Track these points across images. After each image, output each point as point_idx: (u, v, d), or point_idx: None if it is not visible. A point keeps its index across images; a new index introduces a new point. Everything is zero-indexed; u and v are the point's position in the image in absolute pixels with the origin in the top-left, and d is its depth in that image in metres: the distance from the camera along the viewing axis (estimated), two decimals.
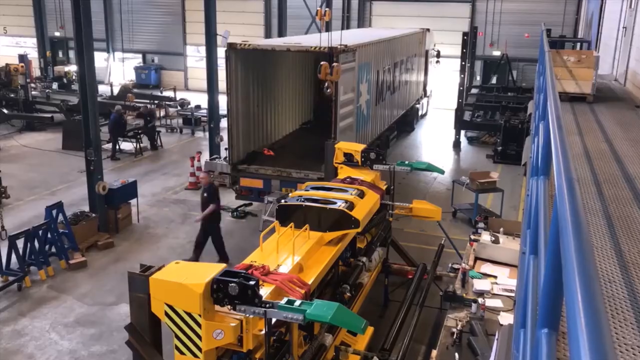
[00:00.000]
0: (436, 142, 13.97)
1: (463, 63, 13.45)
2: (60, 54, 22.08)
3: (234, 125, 8.28)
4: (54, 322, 5.86)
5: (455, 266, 5.38)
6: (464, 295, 4.37)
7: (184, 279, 3.26)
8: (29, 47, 21.18)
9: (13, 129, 14.08)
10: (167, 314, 3.30)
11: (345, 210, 4.56)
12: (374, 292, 6.33)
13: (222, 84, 9.01)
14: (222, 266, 3.38)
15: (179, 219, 8.85)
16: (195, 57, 20.61)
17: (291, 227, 4.27)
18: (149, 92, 17.87)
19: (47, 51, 21.36)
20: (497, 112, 14.05)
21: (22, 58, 16.29)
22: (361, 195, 5.12)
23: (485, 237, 5.28)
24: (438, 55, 16.73)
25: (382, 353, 4.42)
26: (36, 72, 20.33)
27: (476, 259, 5.07)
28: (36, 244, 6.78)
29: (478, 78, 17.81)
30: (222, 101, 9.26)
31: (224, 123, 9.65)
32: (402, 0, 18.35)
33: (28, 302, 6.27)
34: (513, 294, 4.20)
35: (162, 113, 15.37)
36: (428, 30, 15.33)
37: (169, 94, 17.17)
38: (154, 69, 21.23)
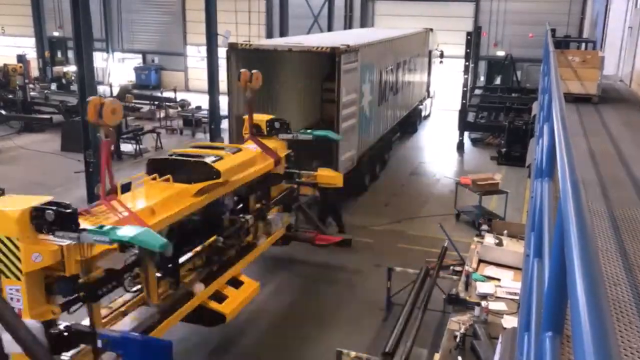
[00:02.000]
0: (439, 144, 13.91)
1: (467, 63, 13.39)
2: (59, 54, 22.00)
3: (235, 126, 8.30)
4: None
5: (458, 269, 5.34)
6: (467, 298, 4.34)
7: (4, 206, 3.53)
8: (28, 47, 20.94)
9: (11, 130, 13.99)
10: None
11: (207, 162, 4.74)
12: (377, 296, 6.32)
13: (223, 85, 8.99)
14: (48, 198, 3.62)
15: None
16: (195, 58, 20.52)
17: (155, 177, 4.50)
18: (149, 92, 17.82)
19: (46, 51, 21.18)
20: (501, 113, 13.96)
21: (21, 58, 16.08)
22: (236, 152, 5.34)
23: (489, 239, 5.25)
24: (441, 55, 16.68)
25: (384, 356, 4.40)
26: (35, 72, 20.18)
27: (480, 261, 5.04)
28: None
29: (482, 78, 17.74)
30: (223, 102, 9.22)
31: (225, 124, 9.67)
32: None
33: None
34: (517, 297, 4.17)
35: (162, 114, 15.27)
36: (431, 30, 15.28)
37: (169, 94, 17.15)
38: (154, 70, 21.12)
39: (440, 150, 13.36)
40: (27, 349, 3.38)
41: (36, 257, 3.48)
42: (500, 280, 4.66)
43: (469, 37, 13.40)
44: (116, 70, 21.65)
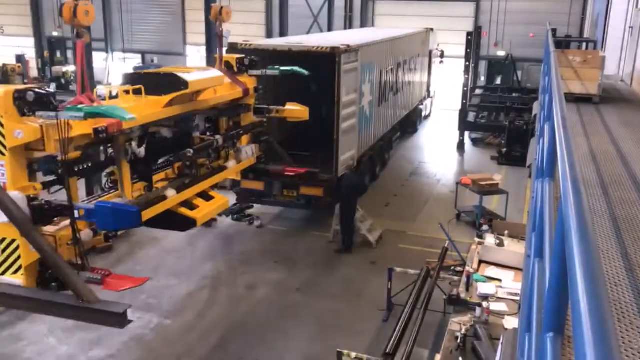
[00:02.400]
0: (440, 144, 13.90)
1: (467, 63, 13.38)
2: (58, 54, 21.74)
3: None
4: (52, 327, 5.76)
5: (458, 269, 5.34)
6: (468, 299, 4.33)
7: None
8: (27, 47, 20.93)
9: None
10: None
11: (175, 73, 5.11)
12: (377, 296, 6.31)
13: None
14: (30, 86, 4.11)
15: None
16: (195, 58, 20.57)
17: (129, 91, 4.83)
18: None
19: (45, 51, 21.07)
20: (502, 113, 13.94)
21: (20, 58, 16.22)
22: (204, 71, 5.79)
23: (490, 240, 5.24)
24: (442, 55, 16.66)
25: (385, 357, 4.40)
26: (34, 72, 20.08)
27: (480, 262, 5.03)
28: None
29: (482, 78, 17.71)
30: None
31: None
32: None
33: None
34: (518, 298, 4.16)
35: None
36: (432, 30, 15.27)
37: None
38: (153, 69, 21.36)
39: (440, 151, 13.34)
40: (10, 216, 3.78)
41: (18, 133, 3.88)
42: (501, 281, 4.65)
43: (469, 37, 13.39)
44: (116, 70, 21.51)
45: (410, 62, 12.71)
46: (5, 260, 4.05)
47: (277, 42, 9.29)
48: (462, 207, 9.09)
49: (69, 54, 20.72)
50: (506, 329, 3.69)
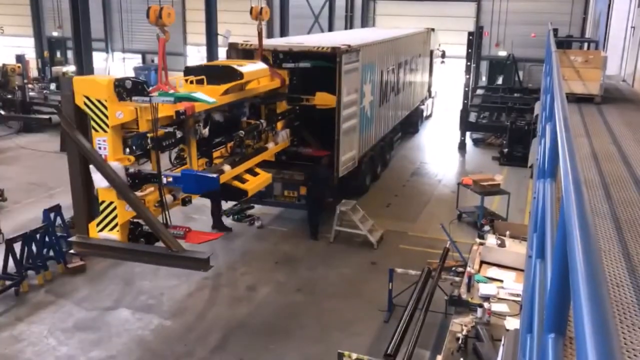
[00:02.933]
0: (441, 144, 13.87)
1: (468, 63, 13.35)
2: (58, 54, 21.72)
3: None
4: (52, 327, 5.77)
5: (460, 270, 5.32)
6: (470, 299, 4.32)
7: (96, 79, 5.05)
8: (27, 47, 20.79)
9: (10, 130, 13.94)
10: (86, 104, 4.81)
11: (232, 65, 6.19)
12: (379, 297, 6.30)
13: None
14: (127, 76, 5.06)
15: (179, 222, 8.74)
16: (196, 58, 20.49)
17: (191, 81, 5.73)
18: None
19: (45, 51, 20.98)
20: (503, 113, 13.91)
21: (19, 58, 15.92)
22: (253, 65, 6.82)
23: (491, 240, 5.22)
24: (443, 55, 16.64)
25: (386, 358, 4.39)
26: (34, 72, 19.91)
27: (482, 262, 5.02)
28: (34, 247, 6.65)
29: (484, 79, 17.67)
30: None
31: None
32: None
33: (26, 306, 6.17)
34: (519, 299, 4.14)
35: None
36: (433, 30, 15.26)
37: None
38: (153, 70, 21.01)
39: (441, 151, 13.31)
40: (111, 182, 4.72)
41: (119, 114, 4.79)
42: (502, 282, 4.63)
43: (470, 37, 13.36)
44: (116, 70, 21.54)
45: (411, 62, 12.71)
46: (103, 219, 4.95)
47: (278, 42, 9.26)
48: (463, 207, 9.07)
49: (69, 54, 20.65)
50: (507, 330, 3.68)
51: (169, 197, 5.20)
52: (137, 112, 4.88)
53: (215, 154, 6.25)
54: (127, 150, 4.95)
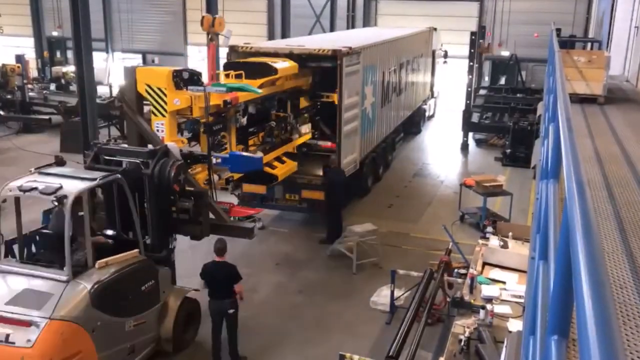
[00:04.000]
0: (443, 145, 13.83)
1: (471, 63, 13.31)
2: (58, 54, 21.48)
3: None
4: None
5: (462, 271, 5.30)
6: (472, 301, 4.29)
7: (155, 69, 6.07)
8: (26, 47, 20.61)
9: (10, 130, 13.76)
10: (147, 91, 5.52)
11: (267, 62, 7.00)
12: (379, 298, 6.27)
13: None
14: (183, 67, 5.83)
15: None
16: (196, 58, 20.21)
17: (231, 75, 6.44)
18: None
19: (45, 51, 20.77)
20: (506, 113, 13.85)
21: (19, 58, 15.73)
22: (284, 62, 7.50)
23: (494, 242, 5.20)
24: (445, 55, 16.60)
25: None
26: (33, 72, 19.72)
27: (484, 264, 4.99)
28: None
29: (486, 79, 17.61)
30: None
31: None
32: None
33: None
34: (522, 300, 4.13)
35: None
36: (435, 29, 15.22)
37: None
38: None
39: (444, 151, 13.27)
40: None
41: (176, 101, 5.48)
42: (505, 283, 4.61)
43: (473, 37, 13.33)
44: (116, 70, 21.27)
45: (413, 62, 12.65)
46: None
47: (278, 44, 9.22)
48: (465, 208, 9.03)
49: (69, 54, 20.27)
50: (510, 332, 3.65)
51: (215, 177, 5.83)
52: (192, 100, 5.61)
53: (249, 142, 7.05)
54: (180, 133, 5.73)
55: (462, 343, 3.79)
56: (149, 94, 5.51)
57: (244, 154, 6.16)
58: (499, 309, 4.18)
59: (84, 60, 7.49)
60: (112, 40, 21.49)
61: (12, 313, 4.01)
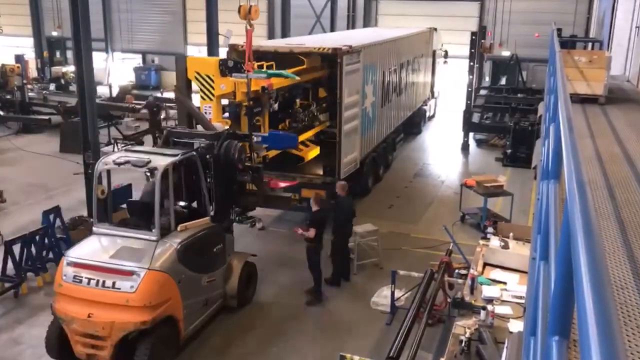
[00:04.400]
0: (444, 145, 13.82)
1: (471, 63, 13.30)
2: (58, 54, 21.56)
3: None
4: None
5: (463, 272, 5.29)
6: (473, 302, 4.29)
7: (203, 59, 7.03)
8: (26, 47, 20.61)
9: (9, 131, 13.71)
10: (196, 78, 6.46)
11: (298, 54, 7.81)
12: (380, 299, 6.27)
13: None
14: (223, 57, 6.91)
15: None
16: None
17: (263, 65, 7.00)
18: (149, 93, 17.60)
19: (44, 51, 20.73)
20: (507, 113, 13.84)
21: (19, 58, 15.83)
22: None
23: (495, 242, 5.19)
24: (446, 55, 16.59)
25: None
26: (33, 72, 19.73)
27: (485, 264, 4.99)
28: (33, 249, 6.60)
29: (487, 79, 17.60)
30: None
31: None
32: None
33: (25, 309, 6.12)
34: (523, 301, 4.12)
35: (163, 115, 15.26)
36: (435, 29, 15.22)
37: (169, 95, 16.86)
38: (154, 70, 20.80)
39: (444, 152, 13.25)
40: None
41: (222, 86, 6.41)
42: (506, 284, 4.60)
43: (473, 37, 13.31)
44: (116, 70, 21.38)
45: (413, 62, 12.66)
46: None
47: (278, 43, 9.24)
48: (466, 208, 9.02)
49: (69, 54, 20.30)
50: (511, 333, 3.65)
51: (260, 147, 6.71)
52: (235, 86, 6.49)
53: (279, 126, 7.78)
54: (223, 115, 6.67)
55: (463, 344, 3.78)
56: (198, 80, 6.42)
57: (281, 132, 7.05)
58: (499, 309, 4.18)
59: (83, 60, 7.47)
60: (112, 40, 21.45)
61: (117, 265, 4.78)
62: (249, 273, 6.22)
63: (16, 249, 6.49)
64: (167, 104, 16.00)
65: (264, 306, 6.34)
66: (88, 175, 7.73)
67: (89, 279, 4.75)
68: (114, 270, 4.75)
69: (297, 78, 6.97)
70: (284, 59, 7.33)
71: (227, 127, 6.30)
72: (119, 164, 5.17)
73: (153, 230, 5.01)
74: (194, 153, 5.50)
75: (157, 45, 21.20)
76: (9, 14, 21.52)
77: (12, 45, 21.06)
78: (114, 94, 16.90)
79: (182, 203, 5.85)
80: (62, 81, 18.26)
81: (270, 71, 6.58)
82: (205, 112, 6.39)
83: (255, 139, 6.39)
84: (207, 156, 5.56)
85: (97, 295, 4.71)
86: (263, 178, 6.21)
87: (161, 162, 5.14)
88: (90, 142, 7.69)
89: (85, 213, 7.86)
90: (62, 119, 13.53)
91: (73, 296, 4.80)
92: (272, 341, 5.67)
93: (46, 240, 6.86)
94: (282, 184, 6.89)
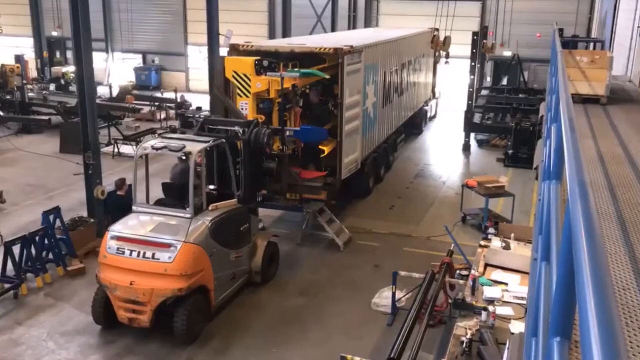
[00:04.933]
0: (445, 145, 13.80)
1: (473, 64, 13.28)
2: (58, 54, 21.60)
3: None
4: (52, 331, 5.71)
5: (464, 273, 5.28)
6: (474, 302, 4.27)
7: (240, 59, 7.30)
8: (26, 47, 20.45)
9: (9, 131, 13.62)
10: (234, 77, 7.07)
11: (317, 53, 8.09)
12: (381, 300, 6.24)
13: None
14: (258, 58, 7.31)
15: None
16: (197, 58, 20.12)
17: (288, 64, 7.67)
18: (149, 93, 17.57)
19: (44, 51, 20.61)
20: (508, 114, 13.83)
21: (18, 58, 15.63)
22: None
23: (496, 243, 5.18)
24: (447, 55, 16.56)
25: None
26: (33, 73, 19.69)
27: (486, 265, 4.98)
28: (33, 250, 6.58)
29: (488, 79, 17.57)
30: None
31: None
32: None
33: (24, 310, 6.10)
34: (524, 302, 4.10)
35: (163, 115, 15.02)
36: (437, 29, 15.21)
37: (169, 95, 16.92)
38: (154, 70, 20.77)
39: (445, 152, 13.24)
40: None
41: (258, 84, 6.97)
42: (507, 285, 4.59)
43: (475, 37, 13.29)
44: (116, 70, 21.33)
45: (414, 62, 12.66)
46: None
47: (279, 43, 9.22)
48: (467, 209, 9.00)
49: (69, 54, 20.38)
50: (512, 334, 3.64)
51: (290, 140, 7.28)
52: (269, 84, 7.04)
53: (303, 121, 8.07)
54: (259, 109, 7.20)
55: (464, 345, 3.77)
56: (235, 78, 7.05)
57: (311, 127, 7.53)
58: (501, 310, 4.16)
59: (83, 61, 7.44)
60: (112, 40, 21.43)
61: (156, 238, 5.40)
62: (272, 252, 6.78)
63: (16, 249, 6.47)
64: (167, 104, 15.97)
65: (264, 307, 6.33)
66: (88, 175, 7.73)
67: (131, 251, 5.35)
68: (154, 243, 5.35)
69: (327, 76, 7.45)
70: (306, 58, 7.78)
71: (261, 121, 6.97)
72: (157, 149, 5.74)
73: (187, 209, 5.60)
74: (224, 140, 6.04)
75: (158, 45, 21.17)
76: (9, 13, 21.46)
77: (11, 45, 20.99)
78: (114, 94, 16.84)
79: (212, 186, 6.41)
80: (62, 81, 18.16)
81: (302, 70, 7.26)
82: (242, 108, 7.05)
83: (287, 132, 7.08)
84: (237, 142, 6.15)
85: (138, 265, 5.30)
86: (287, 167, 6.87)
87: (194, 147, 5.71)
88: (90, 143, 7.66)
89: (85, 213, 7.82)
90: (62, 119, 13.52)
91: (116, 266, 5.39)
92: (273, 342, 5.66)
93: (46, 241, 6.84)
94: (311, 175, 7.65)
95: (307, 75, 7.33)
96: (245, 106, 7.06)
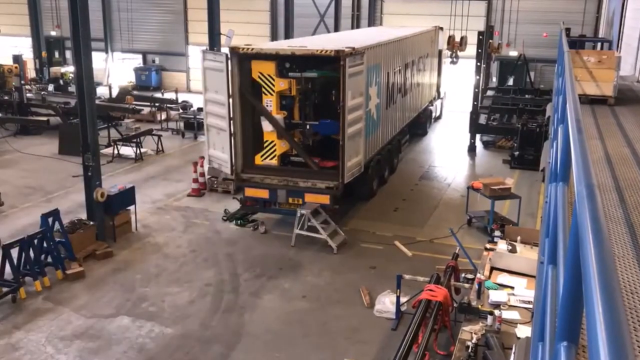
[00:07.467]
0: (450, 147, 13.70)
1: (478, 64, 13.19)
2: (57, 55, 21.47)
3: (237, 132, 8.13)
4: (50, 335, 5.66)
5: (469, 276, 5.23)
6: (480, 307, 4.23)
7: (265, 60, 8.14)
8: (24, 47, 20.34)
9: (7, 132, 13.54)
10: (259, 77, 8.02)
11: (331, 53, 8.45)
12: (385, 304, 6.17)
13: None
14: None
15: (181, 227, 8.54)
16: (198, 58, 20.30)
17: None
18: (149, 94, 17.45)
19: (43, 51, 20.43)
20: (514, 115, 13.71)
21: (17, 58, 15.45)
22: None
23: (502, 246, 5.12)
24: (456, 55, 16.41)
25: None
26: (31, 73, 19.49)
27: (492, 269, 4.92)
28: (31, 253, 6.51)
29: (494, 79, 17.43)
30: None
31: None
32: None
33: (23, 314, 6.06)
34: (531, 306, 4.05)
35: (164, 116, 14.89)
36: (441, 29, 15.08)
37: (170, 95, 16.83)
38: (154, 70, 20.63)
39: (451, 154, 13.14)
40: (276, 127, 8.19)
41: (281, 84, 7.98)
42: (513, 288, 4.53)
43: (480, 37, 13.20)
44: (116, 70, 21.18)
45: (419, 62, 12.54)
46: (266, 152, 8.34)
47: (280, 45, 9.15)
48: (473, 211, 8.90)
49: (68, 54, 20.23)
50: (518, 338, 3.59)
51: (309, 132, 8.35)
52: (290, 83, 7.98)
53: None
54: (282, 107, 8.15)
55: (470, 349, 3.73)
56: (260, 79, 7.95)
57: (329, 121, 8.22)
58: (507, 314, 4.11)
59: (83, 61, 7.34)
60: (111, 40, 21.32)
61: None
62: None
63: (14, 252, 6.41)
64: (168, 105, 15.96)
65: (267, 310, 6.27)
66: (87, 177, 7.63)
67: None
68: None
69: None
70: (322, 58, 8.10)
71: (283, 116, 8.02)
72: None
73: None
74: None
75: (158, 45, 21.03)
76: (7, 13, 21.46)
77: (10, 46, 20.88)
78: (114, 94, 16.70)
79: None
80: (61, 82, 17.98)
81: (320, 71, 8.06)
82: (267, 105, 8.06)
83: (308, 126, 8.20)
84: None
85: None
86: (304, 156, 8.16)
87: None
88: (89, 144, 7.55)
89: (84, 216, 7.78)
90: (60, 120, 13.42)
91: None
92: (276, 346, 5.60)
93: (45, 244, 6.76)
94: (329, 164, 8.47)
95: (324, 76, 8.13)
96: (270, 103, 8.00)
